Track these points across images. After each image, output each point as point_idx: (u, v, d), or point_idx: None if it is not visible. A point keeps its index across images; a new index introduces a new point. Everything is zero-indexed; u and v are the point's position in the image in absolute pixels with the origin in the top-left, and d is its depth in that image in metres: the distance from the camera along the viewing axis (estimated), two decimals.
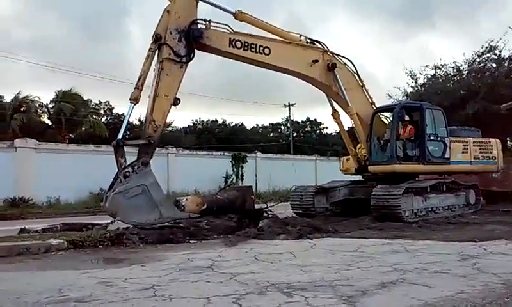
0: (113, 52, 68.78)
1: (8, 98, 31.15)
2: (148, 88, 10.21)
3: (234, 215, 11.00)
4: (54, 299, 4.52)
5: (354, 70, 12.82)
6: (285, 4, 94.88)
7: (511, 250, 7.14)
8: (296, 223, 10.28)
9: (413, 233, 9.49)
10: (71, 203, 19.00)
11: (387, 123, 13.28)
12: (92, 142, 24.95)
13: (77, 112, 32.00)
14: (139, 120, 31.16)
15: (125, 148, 9.82)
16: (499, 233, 9.11)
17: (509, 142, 23.65)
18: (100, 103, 41.60)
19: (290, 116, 48.66)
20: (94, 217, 10.29)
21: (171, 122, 45.56)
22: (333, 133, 47.83)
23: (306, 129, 55.66)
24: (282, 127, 54.77)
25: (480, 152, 13.76)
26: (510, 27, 20.14)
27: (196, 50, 10.47)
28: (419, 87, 23.68)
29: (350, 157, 13.87)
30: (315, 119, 54.66)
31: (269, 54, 11.25)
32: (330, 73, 12.18)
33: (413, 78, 23.87)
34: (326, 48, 12.33)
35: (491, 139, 14.27)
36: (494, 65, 21.70)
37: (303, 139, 50.98)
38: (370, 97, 13.05)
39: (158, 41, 10.02)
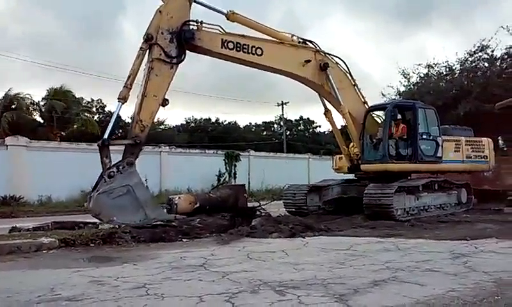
0: (107, 50, 68.53)
1: None
2: (138, 88, 10.16)
3: (227, 214, 11.00)
4: (46, 298, 4.50)
5: (347, 69, 12.86)
6: (281, 2, 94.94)
7: (502, 248, 7.20)
8: (289, 221, 10.27)
9: (405, 232, 9.55)
10: (63, 201, 18.88)
11: (380, 121, 13.33)
12: (84, 140, 24.81)
13: (69, 110, 31.78)
14: (131, 119, 31.01)
15: (114, 147, 9.78)
16: (490, 232, 9.19)
17: (500, 142, 23.82)
18: (92, 101, 41.47)
19: (283, 115, 48.79)
20: (86, 216, 10.21)
21: (164, 120, 45.54)
22: (326, 132, 47.90)
23: (299, 128, 55.75)
24: (275, 126, 54.88)
25: (472, 151, 13.86)
26: (502, 27, 20.30)
27: (187, 52, 10.45)
28: (412, 86, 23.80)
29: (343, 155, 13.91)
30: (308, 118, 54.88)
31: (262, 54, 11.25)
32: (322, 73, 12.20)
33: (405, 77, 24.02)
34: (318, 48, 12.35)
35: (483, 139, 14.38)
36: (486, 64, 21.83)
37: (296, 138, 51.04)
38: (363, 96, 13.09)
39: (149, 41, 9.98)
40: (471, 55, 22.03)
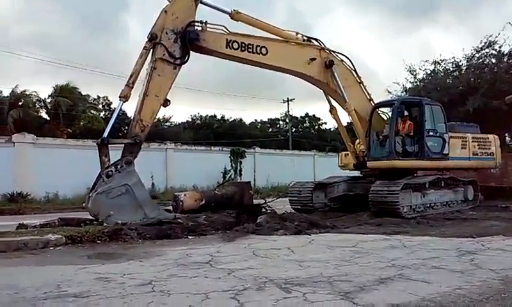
0: (113, 48, 68.77)
1: (6, 93, 31.08)
2: (140, 86, 10.14)
3: (232, 211, 11.03)
4: (52, 294, 4.52)
5: (352, 67, 12.83)
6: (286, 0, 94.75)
7: (509, 246, 7.15)
8: (294, 219, 10.28)
9: (411, 229, 9.52)
10: (69, 198, 18.96)
11: (385, 118, 13.28)
12: (90, 137, 24.86)
13: (75, 107, 31.90)
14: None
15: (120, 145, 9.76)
16: (497, 229, 9.14)
17: (507, 138, 23.67)
18: (99, 98, 41.55)
19: (288, 111, 48.71)
20: None
21: (170, 117, 45.64)
22: (332, 129, 47.78)
23: (304, 124, 55.63)
24: (281, 122, 54.79)
25: (479, 148, 13.79)
26: (510, 23, 20.12)
27: (192, 52, 10.41)
28: (418, 83, 23.63)
29: (348, 152, 13.88)
30: (313, 115, 54.73)
31: (266, 53, 11.22)
32: (328, 71, 12.17)
33: (412, 74, 23.83)
34: (323, 46, 12.32)
35: (489, 135, 14.30)
36: (493, 61, 21.67)
37: (302, 135, 50.92)
38: (368, 93, 13.05)
39: (153, 40, 9.95)
40: (478, 52, 21.86)
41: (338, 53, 12.61)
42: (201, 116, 50.28)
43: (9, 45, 64.43)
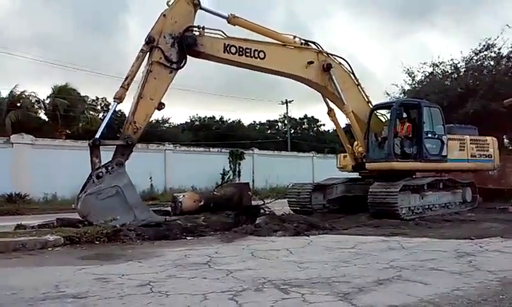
0: (112, 49, 68.77)
1: (4, 94, 31.03)
2: (135, 88, 10.10)
3: (231, 212, 11.02)
4: (51, 295, 4.51)
5: (349, 69, 12.87)
6: (284, 2, 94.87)
7: (507, 247, 7.16)
8: (293, 220, 10.29)
9: (409, 231, 9.52)
10: (67, 199, 18.87)
11: (384, 120, 13.30)
12: (89, 138, 24.53)
13: (73, 108, 31.86)
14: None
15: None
16: (495, 231, 9.14)
17: (505, 140, 23.71)
18: (97, 99, 41.54)
19: (287, 113, 48.73)
20: None
21: (169, 119, 45.65)
22: (331, 131, 47.88)
23: (303, 126, 55.76)
24: (279, 124, 54.84)
25: (477, 150, 13.82)
26: (508, 25, 20.18)
27: (189, 57, 10.41)
28: (416, 85, 23.69)
29: (347, 154, 13.89)
30: (312, 117, 54.86)
31: (264, 57, 11.24)
32: (326, 74, 12.19)
33: (410, 76, 23.90)
34: (320, 49, 12.33)
35: (487, 137, 14.33)
36: (492, 63, 21.72)
37: (300, 136, 51.03)
38: (366, 95, 13.09)
39: (150, 43, 9.95)
40: (476, 54, 21.93)
41: (335, 56, 12.64)
42: (200, 117, 50.37)
43: (8, 45, 64.54)
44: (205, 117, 50.14)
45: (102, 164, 9.36)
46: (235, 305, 4.11)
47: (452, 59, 22.73)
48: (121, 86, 9.86)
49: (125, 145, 9.74)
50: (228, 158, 26.61)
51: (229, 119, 50.32)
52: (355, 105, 12.65)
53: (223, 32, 10.76)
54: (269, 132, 53.74)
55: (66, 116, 30.95)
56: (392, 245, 7.68)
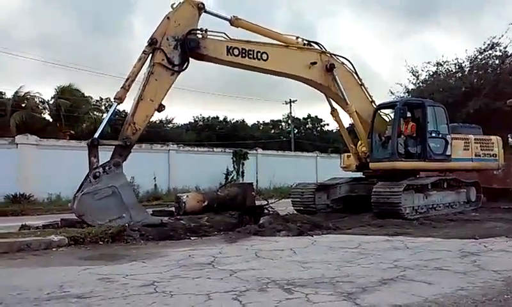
0: (116, 49, 68.94)
1: (9, 95, 31.14)
2: (136, 89, 10.09)
3: (235, 212, 11.02)
4: (55, 295, 4.53)
5: (353, 69, 12.83)
6: (289, 1, 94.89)
7: None
8: (297, 220, 10.27)
9: (413, 230, 9.51)
10: (72, 199, 18.98)
11: (387, 120, 13.28)
12: None
13: (77, 109, 31.92)
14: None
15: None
16: (500, 230, 9.12)
17: (510, 139, 23.62)
18: (101, 99, 41.61)
19: (291, 113, 48.71)
20: None
21: (172, 119, 45.68)
22: (334, 130, 47.77)
23: (307, 126, 55.67)
24: (283, 124, 54.78)
25: (481, 149, 13.77)
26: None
27: (191, 60, 10.41)
28: (421, 84, 23.65)
29: (351, 153, 13.87)
30: (316, 116, 54.77)
31: (267, 59, 11.23)
32: (329, 74, 12.16)
33: (414, 75, 23.87)
34: (323, 49, 12.30)
35: (492, 137, 14.28)
36: (497, 62, 21.65)
37: (304, 136, 50.96)
38: (370, 95, 13.05)
39: (153, 45, 9.95)
40: (481, 53, 21.87)
41: (338, 56, 12.61)
42: (203, 117, 50.33)
43: (12, 46, 64.80)
44: (209, 117, 50.14)
45: (100, 163, 9.35)
46: (238, 305, 4.11)
47: (456, 58, 22.70)
48: (121, 87, 9.86)
49: (123, 146, 9.71)
50: (232, 158, 26.62)
51: (233, 119, 50.38)
52: (358, 105, 12.62)
53: (226, 35, 10.75)
54: (272, 131, 53.69)
55: (70, 116, 31.00)
56: (395, 244, 7.67)
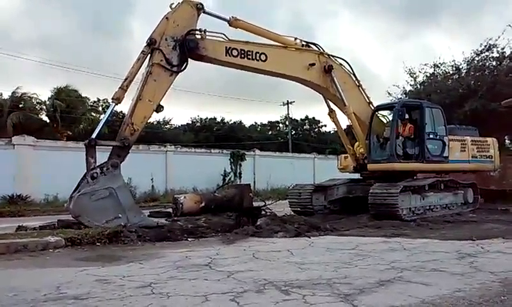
0: (115, 50, 68.92)
1: (6, 95, 31.08)
2: (134, 90, 10.06)
3: (232, 213, 11.02)
4: (52, 296, 4.52)
5: (351, 70, 12.86)
6: (288, 2, 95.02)
7: (509, 248, 7.15)
8: (294, 221, 10.28)
9: (410, 232, 9.52)
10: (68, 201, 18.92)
11: (385, 121, 13.30)
12: None
13: (74, 109, 31.89)
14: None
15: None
16: (497, 232, 9.14)
17: (507, 141, 23.69)
18: (99, 100, 41.56)
19: (288, 114, 48.71)
20: None
21: (170, 120, 45.69)
22: (332, 132, 47.82)
23: (304, 127, 55.68)
24: (281, 125, 54.83)
25: (478, 151, 13.81)
26: (510, 25, 20.14)
27: (190, 61, 10.39)
28: (418, 86, 23.70)
29: (348, 155, 13.88)
30: (313, 118, 54.78)
31: (266, 60, 11.23)
32: (327, 75, 12.18)
33: (412, 77, 23.90)
34: (321, 50, 12.32)
35: (488, 138, 14.33)
36: (494, 63, 21.71)
37: (302, 137, 50.98)
38: (367, 96, 13.07)
39: (152, 45, 9.91)
40: (478, 55, 21.92)
41: (336, 57, 12.63)
42: (201, 118, 50.37)
43: (10, 47, 64.72)
44: (206, 118, 50.18)
45: (98, 164, 9.30)
46: (236, 306, 4.11)
47: (453, 60, 22.76)
48: (120, 87, 9.81)
49: (121, 146, 9.65)
50: (229, 159, 26.59)
51: (230, 120, 50.41)
52: (356, 106, 12.63)
53: (225, 35, 10.74)
54: (270, 133, 53.69)
55: (67, 117, 30.98)
56: (393, 246, 7.67)
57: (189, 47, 10.20)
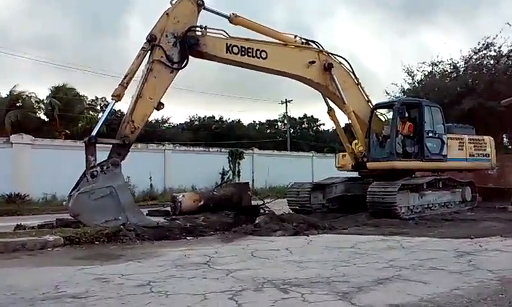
0: (112, 49, 68.81)
1: (4, 94, 31.04)
2: (134, 87, 9.99)
3: (231, 212, 11.05)
4: (50, 295, 4.51)
5: (350, 69, 12.86)
6: (285, 0, 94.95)
7: (506, 247, 7.17)
8: (293, 219, 10.29)
9: (409, 230, 9.53)
10: (67, 199, 18.89)
11: (383, 119, 13.31)
12: None
13: (72, 108, 31.84)
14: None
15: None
16: (495, 230, 9.16)
17: (505, 139, 23.72)
18: (97, 99, 41.53)
19: (287, 113, 48.73)
20: None
21: (168, 119, 45.68)
22: (330, 130, 47.93)
23: (303, 125, 55.73)
24: (279, 124, 54.82)
25: (475, 149, 13.87)
26: (508, 23, 20.16)
27: (191, 58, 10.32)
28: (416, 84, 23.70)
29: (346, 153, 13.90)
30: (312, 116, 54.85)
31: (266, 57, 11.20)
32: (327, 74, 12.17)
33: (410, 75, 23.90)
34: (321, 48, 12.31)
35: (485, 137, 14.39)
36: (491, 62, 21.73)
37: (300, 136, 51.01)
38: (366, 95, 13.09)
39: (152, 41, 9.83)
40: (475, 53, 21.94)
41: (336, 55, 12.63)
42: (199, 117, 50.38)
43: (9, 45, 64.57)
44: (205, 117, 50.18)
45: (97, 162, 9.23)
46: (234, 305, 4.11)
47: (451, 59, 22.77)
48: (120, 84, 9.71)
49: (122, 144, 9.57)
50: (228, 158, 26.58)
51: (228, 118, 50.44)
52: (356, 105, 12.64)
53: (225, 32, 10.70)
54: (268, 131, 53.71)
55: (66, 116, 30.93)
56: (391, 244, 7.69)
57: (189, 44, 10.13)
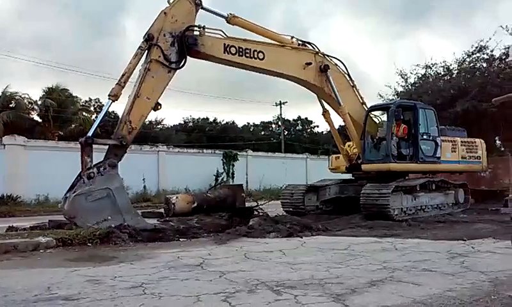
0: (108, 50, 68.63)
1: None
2: (131, 87, 9.94)
3: (225, 214, 11.04)
4: (43, 297, 4.48)
5: (345, 71, 12.89)
6: (282, 1, 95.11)
7: (499, 248, 7.19)
8: (286, 221, 10.28)
9: (402, 232, 9.56)
10: (60, 201, 18.71)
11: (378, 121, 13.35)
12: None
13: (65, 109, 31.68)
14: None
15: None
16: (487, 232, 9.20)
17: (497, 142, 23.84)
18: (90, 100, 41.34)
19: (281, 114, 48.76)
20: None
21: (162, 120, 45.53)
22: (324, 132, 47.98)
23: (297, 127, 55.76)
24: (273, 125, 54.84)
25: (467, 152, 13.96)
26: (501, 27, 20.29)
27: (189, 58, 10.25)
28: (410, 87, 23.80)
29: (340, 155, 13.94)
30: (306, 118, 54.91)
31: (263, 58, 11.19)
32: (323, 75, 12.20)
33: (403, 78, 23.99)
34: (317, 50, 12.33)
35: (476, 139, 14.51)
36: (485, 65, 21.86)
37: (294, 138, 51.05)
38: (361, 97, 13.12)
39: (149, 41, 9.74)
40: (469, 56, 22.06)
41: (331, 57, 12.66)
42: (193, 118, 50.28)
43: (4, 46, 64.23)
44: (199, 118, 50.10)
45: (94, 163, 9.13)
46: (228, 306, 4.10)
47: (444, 61, 22.89)
48: (117, 83, 9.59)
49: (119, 145, 9.46)
50: (222, 159, 26.58)
51: (223, 120, 50.40)
52: (351, 107, 12.68)
53: (223, 32, 10.67)
54: (262, 133, 53.69)
55: (59, 117, 30.76)
56: (384, 246, 7.70)
57: (188, 43, 10.05)
